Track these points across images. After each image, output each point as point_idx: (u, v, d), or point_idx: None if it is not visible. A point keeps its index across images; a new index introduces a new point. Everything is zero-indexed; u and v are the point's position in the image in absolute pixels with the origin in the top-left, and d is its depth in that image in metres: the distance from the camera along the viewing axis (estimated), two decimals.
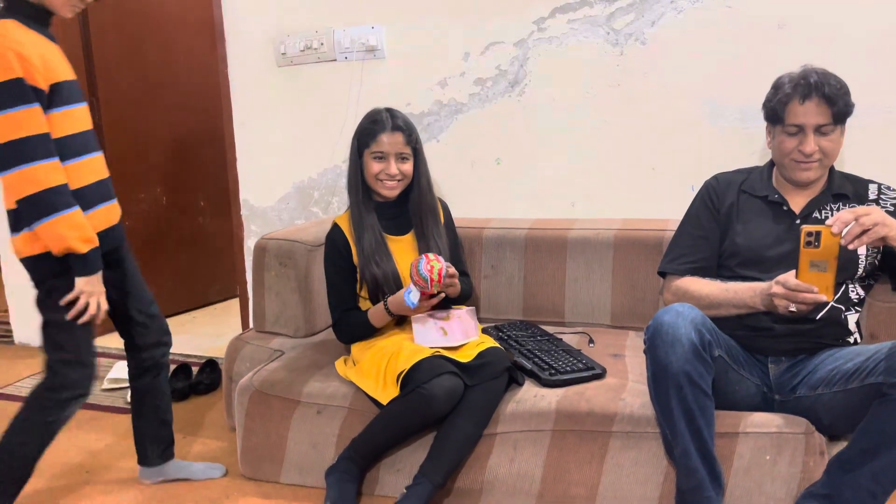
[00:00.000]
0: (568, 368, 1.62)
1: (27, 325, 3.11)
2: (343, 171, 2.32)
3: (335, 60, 2.34)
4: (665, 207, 1.95)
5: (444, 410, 1.50)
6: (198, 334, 3.15)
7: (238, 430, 1.79)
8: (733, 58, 1.87)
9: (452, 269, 1.52)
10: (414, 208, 1.77)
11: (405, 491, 1.50)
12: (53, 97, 1.28)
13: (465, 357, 1.57)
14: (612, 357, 1.71)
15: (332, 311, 1.77)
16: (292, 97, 2.47)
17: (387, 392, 1.56)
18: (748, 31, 1.84)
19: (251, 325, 2.15)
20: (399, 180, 1.68)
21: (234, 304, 3.19)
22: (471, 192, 2.26)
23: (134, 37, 3.10)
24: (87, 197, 1.37)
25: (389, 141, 1.64)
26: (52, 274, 1.36)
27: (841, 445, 1.35)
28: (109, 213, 1.47)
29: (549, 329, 1.95)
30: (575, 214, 2.14)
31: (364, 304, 1.77)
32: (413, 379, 1.49)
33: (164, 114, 3.29)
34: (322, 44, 2.31)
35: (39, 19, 1.33)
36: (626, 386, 1.54)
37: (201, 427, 2.15)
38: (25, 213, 1.30)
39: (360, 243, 1.70)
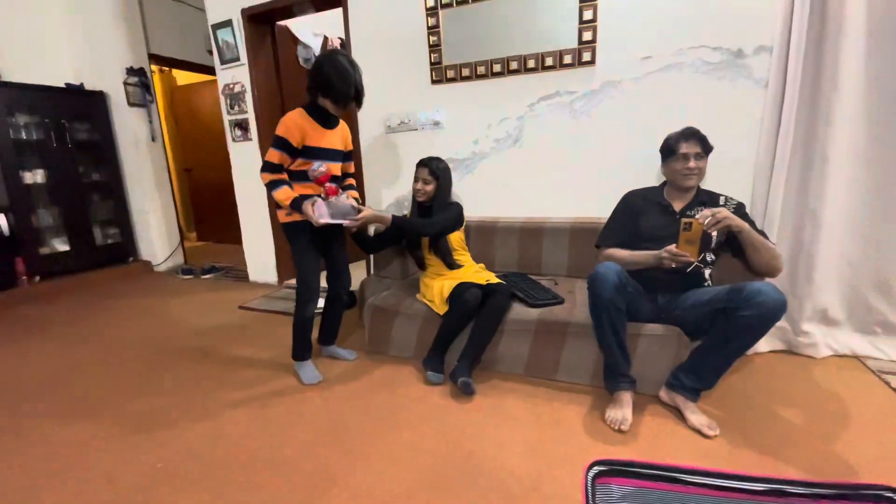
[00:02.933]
0: (543, 297, 1.89)
1: (255, 270, 3.60)
2: None
3: (416, 129, 2.61)
4: (600, 209, 2.12)
5: (474, 308, 1.77)
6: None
7: (366, 326, 2.16)
8: (643, 122, 2.10)
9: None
10: (434, 208, 2.03)
11: (457, 363, 1.79)
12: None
13: (483, 282, 1.86)
14: (567, 293, 1.97)
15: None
16: (392, 149, 2.72)
17: (442, 308, 1.91)
18: (651, 108, 2.08)
19: (372, 272, 2.48)
20: (425, 192, 2.00)
21: (363, 263, 3.47)
22: (490, 201, 2.48)
23: None
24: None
25: (419, 173, 2.01)
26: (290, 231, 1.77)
27: (696, 344, 1.55)
28: None
29: (533, 276, 2.20)
30: (548, 214, 2.34)
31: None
32: (455, 296, 1.84)
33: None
34: (409, 120, 2.60)
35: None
36: (575, 308, 1.81)
37: (349, 324, 2.50)
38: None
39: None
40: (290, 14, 3.06)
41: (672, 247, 1.48)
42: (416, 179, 2.04)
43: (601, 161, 2.26)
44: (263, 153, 3.10)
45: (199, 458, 1.43)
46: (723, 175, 1.93)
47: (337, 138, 1.83)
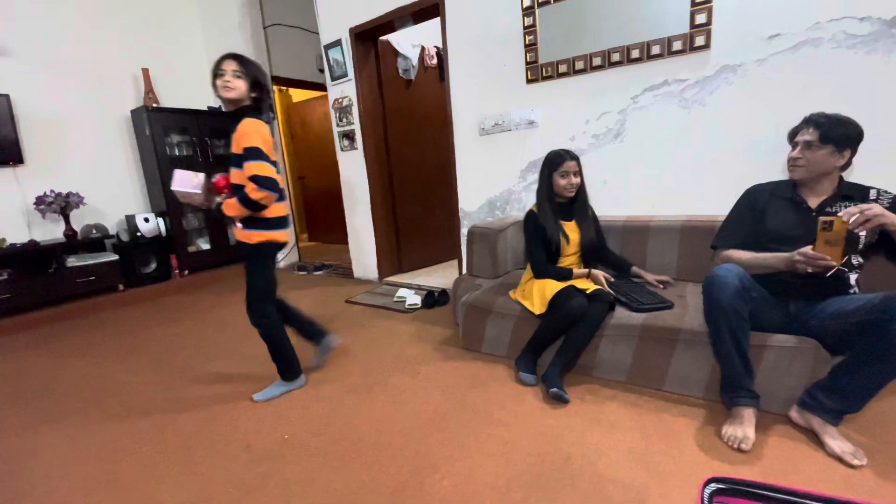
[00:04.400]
0: (649, 302, 1.76)
1: (359, 268, 3.85)
2: (512, 193, 2.65)
3: (510, 130, 2.61)
4: (714, 206, 2.04)
5: (578, 316, 1.71)
6: (438, 276, 3.54)
7: (460, 324, 2.22)
8: (768, 109, 1.91)
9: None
10: (577, 206, 1.94)
11: (548, 368, 1.75)
12: None
13: (588, 288, 1.77)
14: (678, 297, 1.82)
15: (534, 262, 1.92)
16: (486, 152, 2.76)
17: (540, 308, 1.83)
18: (778, 92, 1.88)
19: (464, 271, 2.47)
20: (574, 186, 1.86)
21: (454, 262, 3.69)
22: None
23: (408, 120, 3.64)
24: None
25: (568, 166, 1.85)
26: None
27: (837, 360, 1.35)
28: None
29: (636, 279, 2.04)
30: (652, 212, 2.24)
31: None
32: (558, 300, 1.75)
33: (420, 162, 3.76)
34: (503, 121, 2.60)
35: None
36: (686, 313, 1.65)
37: (440, 321, 2.62)
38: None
39: (546, 223, 1.87)
40: (391, 29, 3.26)
41: (808, 249, 1.32)
42: (563, 175, 1.87)
43: (716, 153, 2.08)
44: (369, 161, 3.44)
45: (318, 435, 1.59)
46: (876, 164, 1.69)
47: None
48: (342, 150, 3.66)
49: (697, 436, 1.43)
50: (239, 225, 1.72)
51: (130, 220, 3.85)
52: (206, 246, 4.30)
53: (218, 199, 1.75)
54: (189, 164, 4.13)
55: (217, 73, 1.63)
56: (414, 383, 1.91)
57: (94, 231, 3.68)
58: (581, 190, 1.94)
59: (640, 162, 2.28)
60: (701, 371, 1.61)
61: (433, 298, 2.95)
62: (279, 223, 1.76)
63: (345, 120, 3.54)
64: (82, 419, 1.83)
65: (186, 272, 4.12)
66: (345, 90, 3.48)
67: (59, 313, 3.34)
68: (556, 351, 1.79)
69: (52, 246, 3.36)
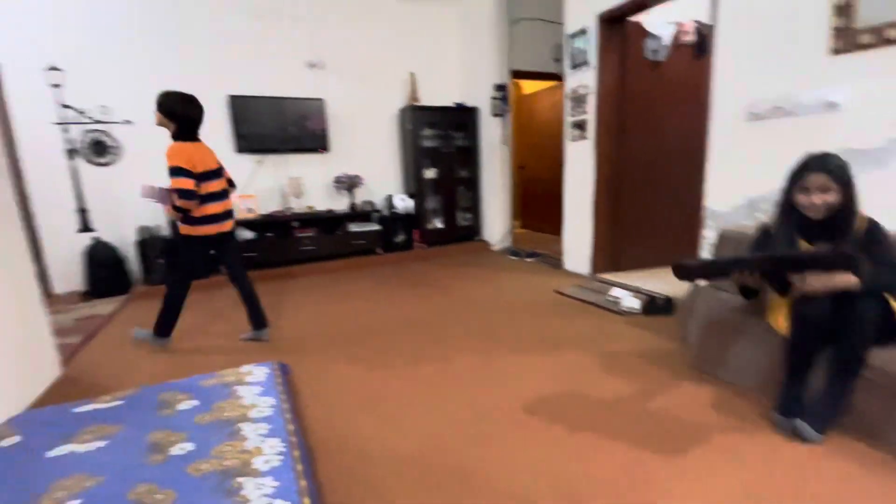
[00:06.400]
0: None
1: (570, 259, 3.80)
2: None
3: (795, 115, 2.14)
4: None
5: (818, 321, 1.39)
6: (659, 281, 3.10)
7: (695, 341, 1.99)
8: None
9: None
10: (836, 231, 1.44)
11: (807, 412, 1.45)
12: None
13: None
14: None
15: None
16: (755, 140, 2.35)
17: (784, 326, 1.54)
18: None
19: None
20: (823, 206, 1.41)
21: None
22: None
23: (649, 106, 3.34)
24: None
25: (812, 180, 1.42)
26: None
27: None
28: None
29: None
30: None
31: None
32: (796, 310, 1.44)
33: (657, 151, 3.41)
34: (787, 104, 2.15)
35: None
36: None
37: (661, 332, 2.39)
38: None
39: (779, 235, 1.55)
40: (641, 9, 3.03)
41: None
42: (803, 189, 1.46)
43: None
44: (599, 151, 3.33)
45: (531, 413, 1.68)
46: None
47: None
48: (572, 140, 3.64)
49: None
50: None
51: (390, 198, 4.75)
52: (440, 225, 4.99)
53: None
54: (435, 154, 4.81)
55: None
56: (630, 390, 1.81)
57: (368, 206, 4.69)
58: (845, 210, 1.43)
59: None
60: None
61: (655, 305, 2.72)
62: (204, 220, 2.29)
63: (578, 109, 3.50)
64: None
65: (424, 245, 4.86)
66: (583, 79, 3.43)
67: (345, 264, 4.40)
68: (823, 385, 1.44)
69: (341, 215, 4.47)
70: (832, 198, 1.42)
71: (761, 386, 1.72)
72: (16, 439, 1.49)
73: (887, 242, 1.42)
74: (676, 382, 1.88)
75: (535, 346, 2.30)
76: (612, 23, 3.20)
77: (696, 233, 2.73)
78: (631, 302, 2.79)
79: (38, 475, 1.30)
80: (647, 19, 3.27)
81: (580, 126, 3.51)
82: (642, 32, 3.30)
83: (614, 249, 3.59)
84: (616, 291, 2.95)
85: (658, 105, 3.39)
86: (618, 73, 3.30)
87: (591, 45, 3.29)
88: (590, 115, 3.41)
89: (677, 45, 3.36)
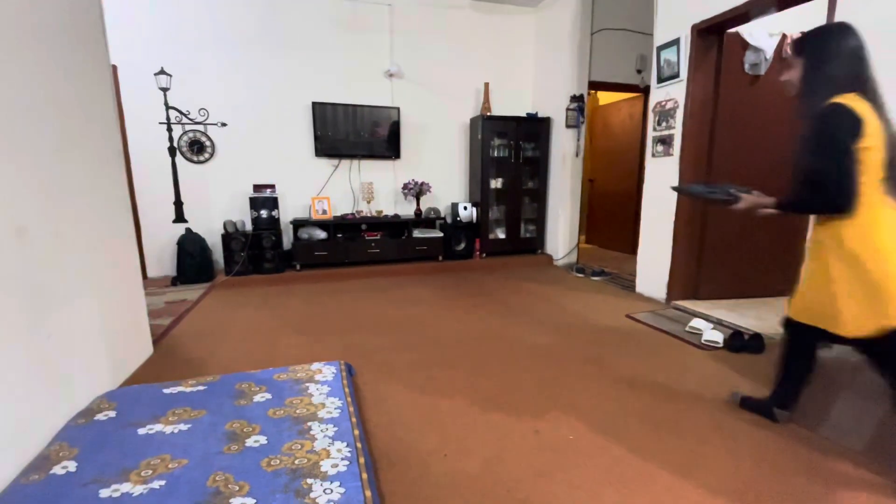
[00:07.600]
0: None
1: (643, 282, 3.61)
2: None
3: None
4: None
5: None
6: (747, 314, 2.91)
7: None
8: None
9: None
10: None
11: None
12: None
13: None
14: None
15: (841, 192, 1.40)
16: None
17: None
18: None
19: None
20: None
21: (773, 300, 3.11)
22: None
23: (747, 121, 3.05)
24: None
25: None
26: None
27: None
28: None
29: None
30: None
31: None
32: None
33: (753, 172, 3.02)
34: None
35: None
36: None
37: (748, 373, 2.15)
38: None
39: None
40: (743, 20, 2.80)
41: None
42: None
43: None
44: (684, 168, 3.08)
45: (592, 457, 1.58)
46: None
47: None
48: (654, 155, 3.43)
49: None
50: None
51: (454, 207, 4.75)
52: (501, 235, 4.90)
53: None
54: (502, 164, 4.75)
55: None
56: (714, 437, 1.65)
57: (432, 213, 4.72)
58: None
59: None
60: None
61: (741, 341, 2.47)
62: None
63: (664, 124, 3.29)
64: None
65: (485, 255, 4.80)
66: (671, 92, 3.23)
67: (407, 269, 4.46)
68: None
69: (406, 220, 4.52)
70: None
71: (871, 453, 1.49)
72: (112, 414, 1.63)
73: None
74: (763, 430, 1.67)
75: (603, 374, 2.17)
76: (708, 34, 2.98)
77: (794, 261, 2.42)
78: (713, 335, 2.56)
79: (129, 451, 1.39)
80: (751, 30, 3.01)
81: (665, 142, 3.30)
82: (742, 44, 3.04)
83: (694, 275, 3.33)
84: (697, 322, 2.73)
85: (754, 123, 3.10)
86: (710, 87, 3.07)
87: (682, 57, 3.09)
88: (676, 130, 3.19)
89: (781, 58, 3.06)
